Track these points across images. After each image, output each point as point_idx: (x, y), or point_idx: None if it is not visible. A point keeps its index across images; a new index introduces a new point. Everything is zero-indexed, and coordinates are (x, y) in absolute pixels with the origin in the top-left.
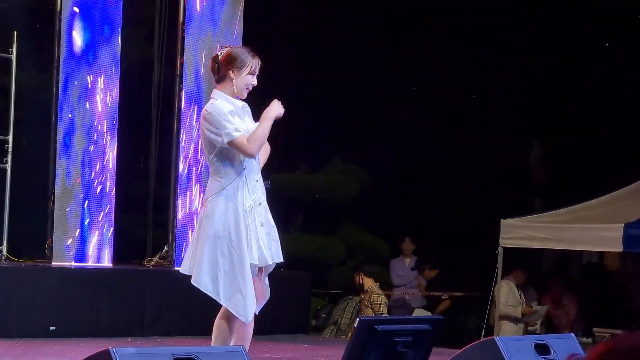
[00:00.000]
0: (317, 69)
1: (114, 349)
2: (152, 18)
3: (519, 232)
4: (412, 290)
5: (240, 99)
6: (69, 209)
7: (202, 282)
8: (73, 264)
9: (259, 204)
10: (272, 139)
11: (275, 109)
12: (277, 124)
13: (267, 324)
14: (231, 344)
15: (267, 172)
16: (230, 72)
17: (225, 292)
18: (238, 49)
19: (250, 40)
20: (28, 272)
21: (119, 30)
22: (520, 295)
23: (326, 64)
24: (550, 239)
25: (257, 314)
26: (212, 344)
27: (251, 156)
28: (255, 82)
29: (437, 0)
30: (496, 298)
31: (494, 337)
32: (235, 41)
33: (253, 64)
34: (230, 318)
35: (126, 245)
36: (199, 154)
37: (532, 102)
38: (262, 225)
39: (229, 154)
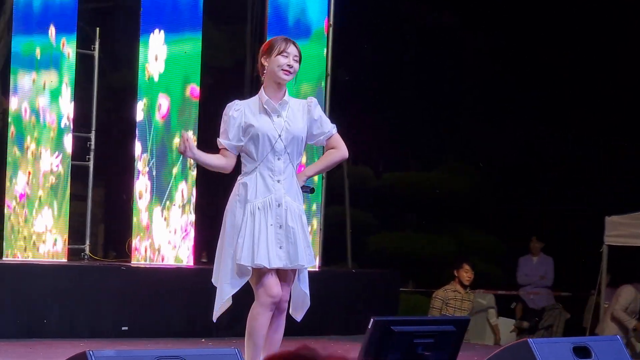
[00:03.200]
0: (428, 70)
1: (90, 352)
2: None
3: (623, 230)
4: (537, 289)
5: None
6: (146, 209)
7: (215, 280)
8: (150, 263)
9: (279, 204)
10: (381, 137)
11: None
12: (389, 122)
13: (350, 324)
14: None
15: (380, 170)
16: (263, 60)
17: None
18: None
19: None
20: (103, 272)
21: None
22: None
23: (436, 66)
24: None
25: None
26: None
27: None
28: (290, 62)
29: None
30: (614, 298)
31: (528, 339)
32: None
33: (282, 45)
34: (251, 314)
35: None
36: None
37: None
38: (280, 227)
39: (246, 150)
